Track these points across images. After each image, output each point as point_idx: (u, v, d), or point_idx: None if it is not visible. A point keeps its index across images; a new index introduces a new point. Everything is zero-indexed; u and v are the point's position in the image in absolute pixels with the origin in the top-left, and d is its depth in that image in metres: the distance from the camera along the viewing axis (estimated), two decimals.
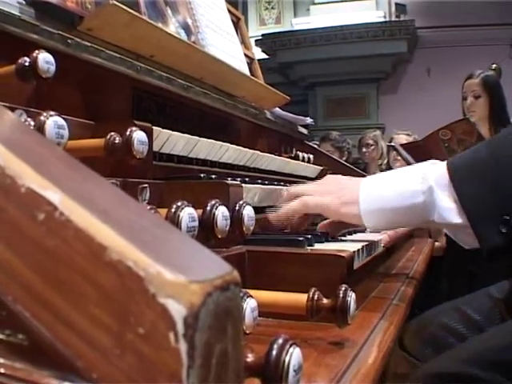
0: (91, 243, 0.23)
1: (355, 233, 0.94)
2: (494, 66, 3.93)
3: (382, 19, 6.03)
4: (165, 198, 0.69)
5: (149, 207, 0.53)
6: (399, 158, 2.69)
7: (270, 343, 0.32)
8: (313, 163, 1.65)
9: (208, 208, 0.53)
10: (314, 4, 6.28)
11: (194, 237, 0.51)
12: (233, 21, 1.45)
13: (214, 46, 1.19)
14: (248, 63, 1.45)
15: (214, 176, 0.83)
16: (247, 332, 0.45)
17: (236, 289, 0.23)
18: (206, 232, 0.53)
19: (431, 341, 0.97)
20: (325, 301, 0.50)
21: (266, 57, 6.14)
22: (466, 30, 5.63)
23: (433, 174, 0.70)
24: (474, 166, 0.68)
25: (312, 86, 6.31)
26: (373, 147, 3.81)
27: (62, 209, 0.24)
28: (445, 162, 0.71)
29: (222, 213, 0.54)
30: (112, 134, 0.61)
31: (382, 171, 2.78)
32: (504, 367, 0.70)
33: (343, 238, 0.85)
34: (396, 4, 6.07)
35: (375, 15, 6.03)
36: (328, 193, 0.76)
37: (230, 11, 1.43)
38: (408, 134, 3.32)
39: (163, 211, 0.51)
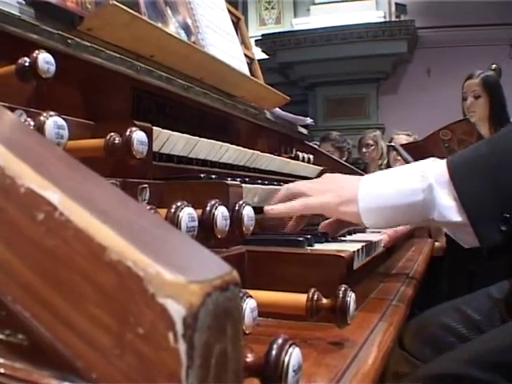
0: (91, 243, 0.23)
1: (355, 233, 0.94)
2: (494, 66, 3.92)
3: (382, 19, 6.03)
4: (165, 198, 0.69)
5: (148, 207, 0.53)
6: (399, 158, 2.69)
7: (270, 343, 0.32)
8: (313, 163, 1.65)
9: (208, 208, 0.53)
10: (314, 4, 6.28)
11: (194, 237, 0.51)
12: (233, 21, 1.45)
13: (214, 46, 1.19)
14: (248, 63, 1.45)
15: (213, 176, 0.83)
16: (247, 332, 0.45)
17: (235, 289, 0.23)
18: (205, 232, 0.53)
19: (431, 340, 0.97)
20: (324, 301, 0.50)
21: (266, 57, 6.14)
22: (466, 30, 5.63)
23: (432, 172, 0.69)
24: (474, 164, 0.68)
25: (312, 86, 6.31)
26: (373, 147, 3.81)
27: (62, 209, 0.24)
28: (444, 160, 0.70)
29: (221, 213, 0.54)
30: (112, 134, 0.61)
31: None
32: (504, 368, 0.69)
33: (343, 238, 0.85)
34: (396, 4, 6.07)
35: (375, 15, 6.03)
36: (327, 191, 0.76)
37: (230, 11, 1.43)
38: (408, 134, 3.32)
39: (163, 211, 0.51)
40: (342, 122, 5.88)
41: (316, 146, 2.03)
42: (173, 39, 0.94)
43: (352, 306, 0.51)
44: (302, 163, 1.55)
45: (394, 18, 6.08)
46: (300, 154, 1.61)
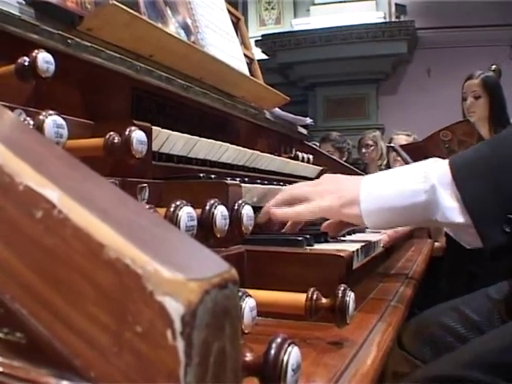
0: (89, 241, 0.23)
1: (355, 233, 0.94)
2: (494, 66, 3.92)
3: (382, 20, 6.04)
4: (164, 198, 0.69)
5: (148, 206, 0.53)
6: (399, 158, 2.69)
7: (269, 342, 0.32)
8: (312, 163, 1.65)
9: (207, 207, 0.53)
10: (314, 5, 6.29)
11: (193, 236, 0.51)
12: (233, 21, 1.45)
13: (214, 46, 1.20)
14: (248, 63, 1.45)
15: (213, 176, 0.83)
16: (246, 331, 0.45)
17: (234, 287, 0.23)
18: (204, 231, 0.53)
19: (430, 340, 0.97)
20: (324, 300, 0.50)
21: (266, 57, 6.14)
22: (466, 30, 5.63)
23: (435, 173, 0.69)
24: (476, 165, 0.68)
25: (312, 87, 6.31)
26: (372, 148, 3.81)
27: (61, 207, 0.24)
28: (446, 161, 0.70)
29: (220, 212, 0.54)
30: (111, 133, 0.61)
31: None
32: (504, 369, 0.69)
33: (342, 238, 0.85)
34: (396, 5, 6.08)
35: (375, 16, 6.04)
36: (327, 193, 0.75)
37: (229, 11, 1.43)
38: (408, 135, 3.32)
39: (162, 210, 0.51)
40: (341, 122, 5.89)
41: (316, 146, 2.03)
42: (172, 39, 0.94)
43: (351, 305, 0.51)
44: (302, 163, 1.55)
45: (393, 19, 6.08)
46: (300, 154, 1.61)
